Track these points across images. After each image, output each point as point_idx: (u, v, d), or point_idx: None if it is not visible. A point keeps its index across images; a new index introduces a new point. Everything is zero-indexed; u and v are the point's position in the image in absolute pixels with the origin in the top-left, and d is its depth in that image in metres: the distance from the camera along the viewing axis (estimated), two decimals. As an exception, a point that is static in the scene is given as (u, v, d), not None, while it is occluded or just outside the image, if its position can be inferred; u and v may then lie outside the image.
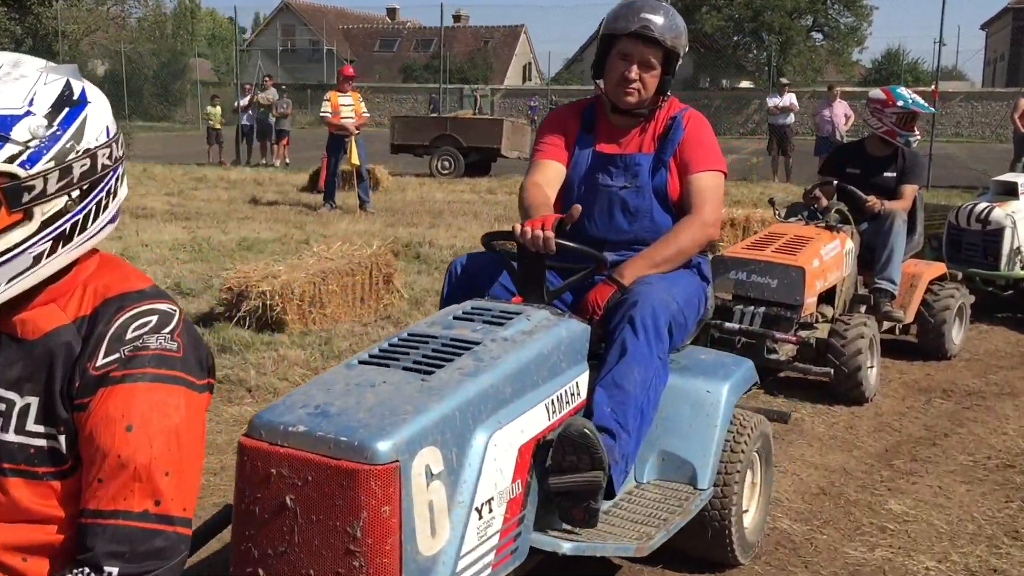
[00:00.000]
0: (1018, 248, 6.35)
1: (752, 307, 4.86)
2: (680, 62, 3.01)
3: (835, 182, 5.60)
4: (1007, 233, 6.34)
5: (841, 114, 16.70)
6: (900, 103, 5.55)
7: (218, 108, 20.77)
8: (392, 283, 6.46)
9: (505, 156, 17.20)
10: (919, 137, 5.69)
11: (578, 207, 2.61)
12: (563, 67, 46.41)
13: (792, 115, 17.38)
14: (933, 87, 18.54)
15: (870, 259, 5.48)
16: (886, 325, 5.47)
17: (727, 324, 4.84)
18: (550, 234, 2.54)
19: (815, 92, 31.21)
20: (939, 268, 5.80)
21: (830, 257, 5.06)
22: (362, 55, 57.54)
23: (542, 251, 2.56)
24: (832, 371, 4.66)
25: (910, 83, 29.32)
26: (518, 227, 2.59)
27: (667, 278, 2.82)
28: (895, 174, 5.68)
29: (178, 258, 8.11)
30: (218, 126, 20.42)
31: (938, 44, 17.37)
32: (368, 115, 12.32)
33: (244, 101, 20.43)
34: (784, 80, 18.98)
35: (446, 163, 17.02)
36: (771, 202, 5.76)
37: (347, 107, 12.01)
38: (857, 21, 39.55)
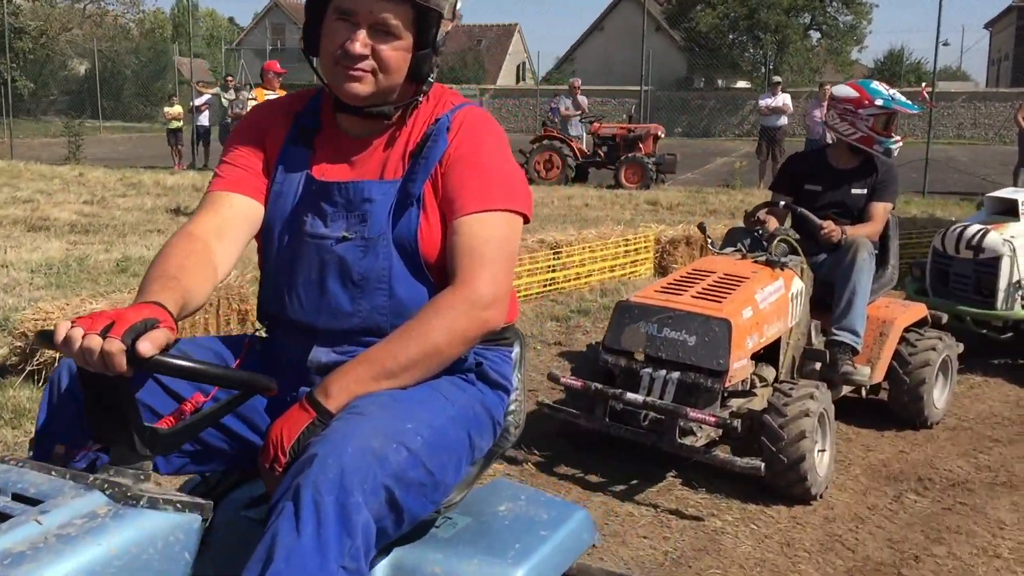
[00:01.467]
0: (1018, 281, 5.13)
1: (664, 371, 3.66)
2: (446, 30, 1.82)
3: (782, 203, 4.40)
4: (1004, 263, 5.13)
5: (832, 115, 15.51)
6: (879, 102, 4.35)
7: (176, 108, 19.68)
8: (249, 321, 5.27)
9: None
10: (900, 142, 4.49)
11: (165, 329, 1.41)
12: (554, 67, 45.09)
13: (785, 117, 16.17)
14: (924, 85, 17.27)
15: (829, 301, 4.29)
16: (847, 388, 4.28)
17: (629, 395, 3.64)
18: (116, 346, 1.34)
19: (812, 92, 29.98)
20: (917, 310, 4.60)
21: (770, 303, 3.85)
22: (353, 54, 56.53)
23: (104, 372, 1.37)
24: (763, 465, 3.45)
25: (912, 83, 27.95)
26: (62, 328, 1.39)
27: (403, 400, 1.63)
28: (865, 191, 4.48)
29: (32, 283, 6.92)
30: (174, 127, 19.35)
31: (936, 42, 16.13)
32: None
33: (199, 101, 19.30)
34: (777, 79, 17.72)
35: (406, 167, 15.80)
36: (701, 228, 4.54)
37: (276, 107, 10.81)
38: (856, 19, 38.25)
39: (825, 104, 15.62)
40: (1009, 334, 5.27)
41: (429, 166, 1.78)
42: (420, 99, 1.85)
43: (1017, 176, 15.43)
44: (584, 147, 15.95)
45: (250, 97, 10.90)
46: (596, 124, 15.97)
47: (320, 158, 1.85)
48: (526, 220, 1.86)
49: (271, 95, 10.84)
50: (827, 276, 4.36)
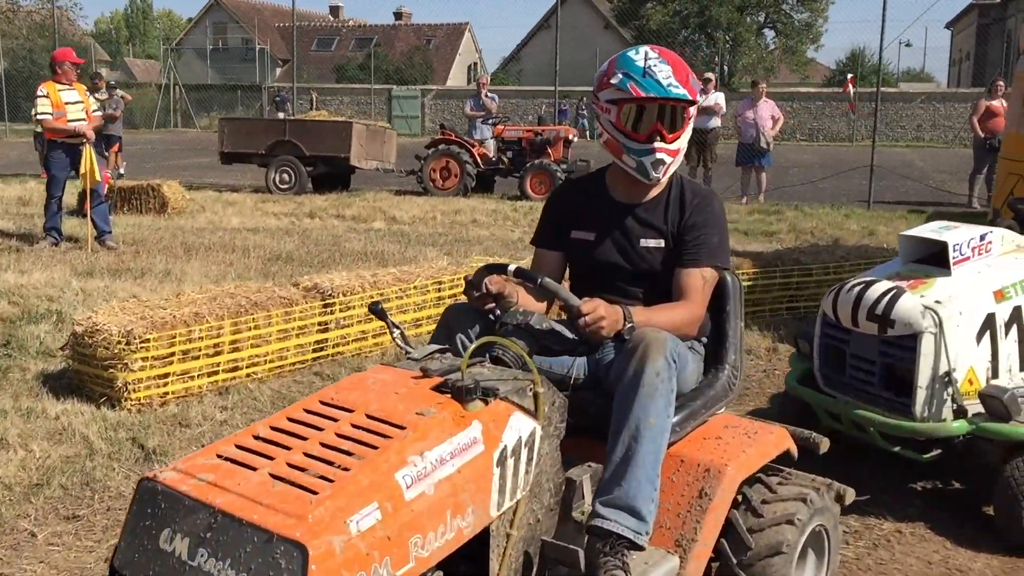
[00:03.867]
0: (947, 374, 3.26)
1: (198, 638, 1.75)
2: None
3: (512, 267, 2.49)
4: (926, 344, 3.25)
5: (767, 116, 13.74)
6: (616, 79, 2.49)
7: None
8: None
9: (358, 167, 14.02)
10: (672, 155, 2.55)
11: None
12: (499, 66, 43.16)
13: (717, 118, 14.39)
14: (849, 77, 15.62)
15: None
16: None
17: None
18: None
19: (767, 93, 28.31)
20: (771, 442, 2.70)
21: (437, 484, 1.94)
22: (298, 54, 54.34)
23: None
24: None
25: (873, 85, 26.15)
26: None
27: None
28: (662, 243, 2.60)
29: None
30: (41, 130, 17.24)
31: (880, 38, 14.41)
32: (100, 114, 9.12)
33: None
34: (708, 75, 15.93)
35: (285, 176, 13.81)
36: (375, 311, 2.59)
37: (75, 106, 8.83)
38: (812, 16, 36.69)
39: (759, 104, 13.97)
40: (935, 452, 3.40)
41: None
42: None
43: (973, 184, 13.75)
44: (490, 152, 14.04)
45: (41, 94, 8.86)
46: (500, 127, 14.05)
47: None
48: None
49: (68, 92, 8.85)
50: (611, 384, 2.48)
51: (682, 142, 2.56)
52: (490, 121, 14.19)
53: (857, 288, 3.46)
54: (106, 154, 16.88)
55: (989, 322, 3.32)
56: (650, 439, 2.29)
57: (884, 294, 3.35)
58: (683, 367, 2.50)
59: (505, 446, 2.12)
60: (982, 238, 3.49)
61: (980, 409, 3.27)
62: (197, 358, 4.45)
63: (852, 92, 16.63)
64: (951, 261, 3.42)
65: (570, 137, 13.52)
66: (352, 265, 8.13)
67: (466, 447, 2.03)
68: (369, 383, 2.21)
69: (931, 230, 3.57)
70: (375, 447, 1.94)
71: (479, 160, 13.68)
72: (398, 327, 2.51)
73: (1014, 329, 3.36)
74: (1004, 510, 3.21)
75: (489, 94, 14.64)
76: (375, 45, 47.69)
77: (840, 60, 45.44)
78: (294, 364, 4.89)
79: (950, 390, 3.26)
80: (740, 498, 2.58)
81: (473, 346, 2.18)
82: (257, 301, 4.76)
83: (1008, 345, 3.35)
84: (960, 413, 3.26)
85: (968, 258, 3.45)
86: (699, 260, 2.56)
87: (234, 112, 42.28)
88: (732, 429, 2.74)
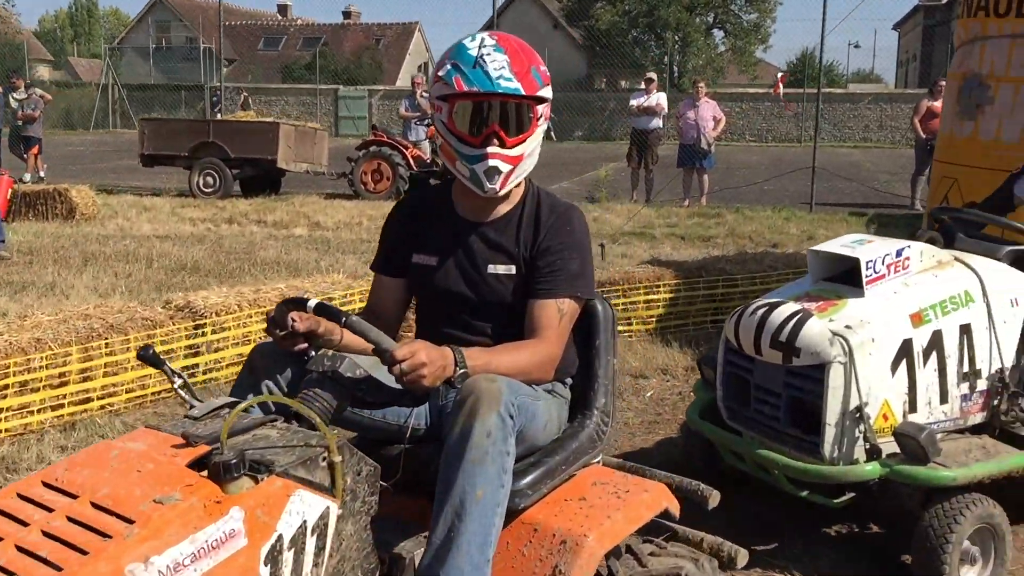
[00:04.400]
0: (858, 408, 2.88)
1: None
2: None
3: (313, 302, 2.04)
4: (834, 375, 2.86)
5: (708, 117, 13.45)
6: (443, 71, 2.07)
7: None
8: None
9: (286, 169, 13.45)
10: (514, 164, 2.12)
11: None
12: (447, 66, 42.57)
13: (658, 119, 14.07)
14: (780, 75, 15.44)
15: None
16: None
17: None
18: None
19: (715, 93, 28.14)
20: (647, 500, 2.28)
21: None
22: (245, 53, 53.35)
23: None
24: None
25: (822, 87, 25.94)
26: None
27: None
28: (513, 270, 2.17)
29: None
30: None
31: (821, 36, 14.18)
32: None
33: (-15, 101, 16.39)
34: (650, 75, 15.65)
35: (209, 179, 13.19)
36: (146, 358, 2.13)
37: (-42, 105, 8.19)
38: (760, 17, 36.70)
39: (700, 104, 13.67)
40: (848, 496, 3.01)
41: None
42: None
43: (915, 185, 13.60)
44: (424, 154, 13.56)
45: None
46: (432, 128, 13.57)
47: None
48: None
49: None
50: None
51: (526, 147, 2.13)
52: (425, 122, 13.71)
53: (760, 311, 3.06)
54: (25, 156, 16.19)
55: (905, 349, 2.95)
56: (478, 516, 1.85)
57: (789, 318, 2.96)
58: (531, 419, 2.08)
59: (280, 536, 1.67)
60: (899, 253, 3.12)
61: (896, 448, 2.89)
62: (37, 390, 3.93)
63: (782, 92, 16.42)
64: (864, 280, 3.04)
65: (506, 138, 13.08)
66: (262, 275, 7.64)
67: (219, 544, 1.58)
68: (111, 456, 1.74)
69: (842, 244, 3.19)
70: (85, 552, 1.48)
71: (412, 162, 13.20)
72: (180, 375, 2.04)
73: (933, 357, 2.99)
74: (923, 561, 2.84)
75: (424, 94, 14.15)
76: (323, 44, 46.90)
77: (791, 61, 45.69)
78: (157, 393, 4.39)
79: (862, 427, 2.87)
80: (605, 573, 2.17)
81: (239, 408, 1.72)
82: (114, 323, 4.25)
83: (927, 375, 2.98)
84: (873, 453, 2.88)
85: (883, 276, 3.07)
86: (555, 290, 2.13)
87: (178, 113, 41.22)
88: (601, 487, 2.32)
